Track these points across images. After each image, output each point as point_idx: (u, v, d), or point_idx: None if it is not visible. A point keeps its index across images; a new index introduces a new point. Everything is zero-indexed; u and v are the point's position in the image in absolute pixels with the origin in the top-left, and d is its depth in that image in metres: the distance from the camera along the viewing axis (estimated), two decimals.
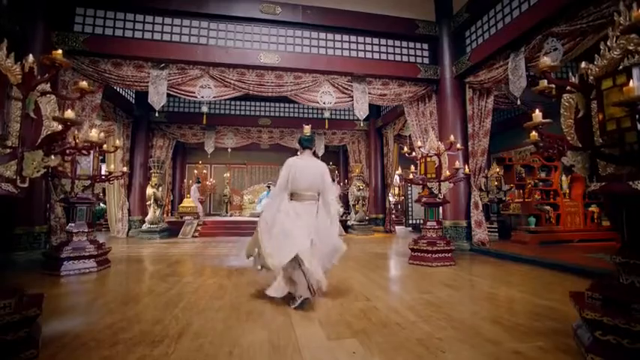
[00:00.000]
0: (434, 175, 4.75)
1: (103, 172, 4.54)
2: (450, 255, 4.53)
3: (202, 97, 5.59)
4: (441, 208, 5.49)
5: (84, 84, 2.40)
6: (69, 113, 1.89)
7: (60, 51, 1.89)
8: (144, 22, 5.41)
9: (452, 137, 4.45)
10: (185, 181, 12.51)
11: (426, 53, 6.43)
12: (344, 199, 12.41)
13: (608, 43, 2.00)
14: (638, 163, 1.81)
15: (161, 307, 2.73)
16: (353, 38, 6.12)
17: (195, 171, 12.34)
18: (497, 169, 8.16)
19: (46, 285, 3.41)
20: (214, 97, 5.69)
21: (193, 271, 4.11)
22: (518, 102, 4.79)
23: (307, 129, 2.98)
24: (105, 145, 4.54)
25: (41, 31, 4.91)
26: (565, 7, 4.04)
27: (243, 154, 13.58)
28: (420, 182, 5.08)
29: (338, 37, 6.07)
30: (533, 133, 2.19)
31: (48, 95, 2.21)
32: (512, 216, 7.48)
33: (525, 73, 4.64)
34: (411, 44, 6.39)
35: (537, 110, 2.34)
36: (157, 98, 5.34)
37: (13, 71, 2.02)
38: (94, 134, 2.60)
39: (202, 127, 9.52)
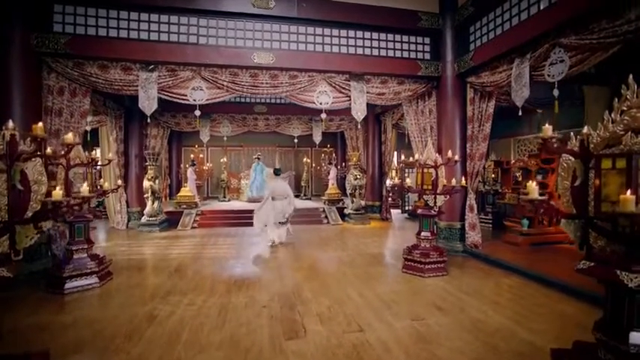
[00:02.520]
0: (430, 187, 4.75)
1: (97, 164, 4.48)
2: (442, 265, 4.66)
3: (195, 100, 5.40)
4: None
5: (69, 137, 2.33)
6: (56, 193, 1.85)
7: (40, 124, 1.81)
8: (129, 19, 5.06)
9: (450, 153, 4.39)
10: (182, 165, 12.41)
11: (427, 48, 6.12)
12: (340, 182, 12.49)
13: (612, 115, 1.93)
14: (628, 243, 1.83)
15: (164, 342, 2.86)
16: (351, 33, 5.79)
17: (192, 155, 12.20)
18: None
19: (52, 309, 3.53)
20: (207, 100, 5.49)
21: (194, 286, 4.24)
22: (520, 113, 4.66)
23: (277, 165, 4.57)
24: (99, 157, 4.48)
25: (18, 33, 4.60)
26: (576, 18, 3.80)
27: (239, 137, 13.33)
28: (417, 191, 5.10)
29: (335, 32, 5.73)
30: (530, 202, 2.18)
31: (33, 159, 2.15)
32: (507, 205, 7.65)
33: (529, 83, 4.47)
34: (412, 39, 6.06)
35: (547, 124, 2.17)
36: (148, 103, 5.16)
37: None
38: (86, 188, 2.57)
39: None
